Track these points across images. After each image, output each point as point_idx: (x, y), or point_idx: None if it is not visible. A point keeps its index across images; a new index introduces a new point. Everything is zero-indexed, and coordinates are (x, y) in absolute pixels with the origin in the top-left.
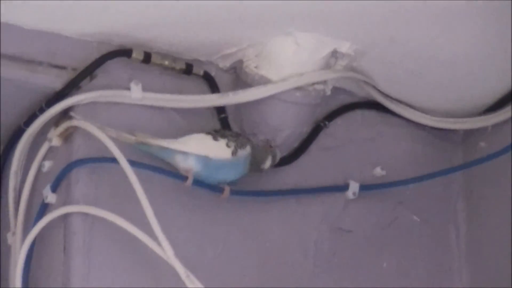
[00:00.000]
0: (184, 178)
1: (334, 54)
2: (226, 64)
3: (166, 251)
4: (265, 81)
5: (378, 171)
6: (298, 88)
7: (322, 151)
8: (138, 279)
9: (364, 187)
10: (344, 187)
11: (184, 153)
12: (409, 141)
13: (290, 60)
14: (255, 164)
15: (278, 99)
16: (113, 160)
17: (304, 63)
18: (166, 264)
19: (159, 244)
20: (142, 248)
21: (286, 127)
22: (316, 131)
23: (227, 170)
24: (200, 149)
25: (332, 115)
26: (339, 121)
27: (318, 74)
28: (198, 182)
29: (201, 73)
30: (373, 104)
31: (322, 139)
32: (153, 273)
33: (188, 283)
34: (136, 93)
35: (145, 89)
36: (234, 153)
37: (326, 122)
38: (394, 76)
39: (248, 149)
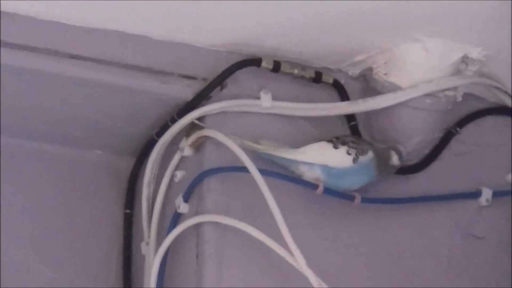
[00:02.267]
0: (314, 186)
1: (464, 59)
2: (355, 71)
3: (298, 260)
4: (394, 88)
5: (511, 177)
6: (428, 95)
7: (453, 157)
8: None
9: (497, 193)
10: (477, 194)
11: (308, 163)
12: None
13: (419, 67)
14: (383, 166)
15: (408, 106)
16: (244, 169)
17: (433, 69)
18: (297, 273)
19: (290, 253)
20: (274, 257)
21: (416, 134)
22: (447, 137)
23: (351, 177)
24: (321, 158)
25: (463, 121)
26: (470, 127)
27: (448, 81)
28: (329, 190)
29: (331, 81)
30: (505, 109)
31: (453, 146)
32: (284, 282)
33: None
34: (266, 102)
35: (274, 98)
36: (355, 160)
37: (458, 129)
38: None
39: (370, 154)
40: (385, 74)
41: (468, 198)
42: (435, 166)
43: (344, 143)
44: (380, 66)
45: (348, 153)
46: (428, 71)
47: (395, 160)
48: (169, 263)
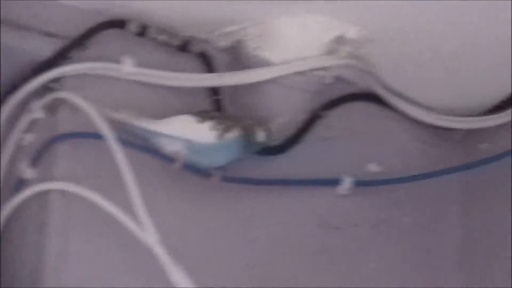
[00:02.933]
0: (173, 160)
1: (340, 39)
2: (225, 43)
3: (150, 237)
4: (265, 63)
5: (373, 167)
6: (300, 73)
7: (317, 142)
8: (118, 264)
9: (357, 183)
10: (337, 182)
11: (169, 136)
12: (408, 138)
13: (294, 43)
14: (248, 142)
15: (278, 83)
16: (100, 136)
17: (308, 47)
18: (149, 250)
19: (143, 228)
20: (126, 233)
21: (283, 113)
22: (312, 120)
23: (214, 154)
24: (183, 132)
25: (330, 105)
26: (337, 112)
27: (322, 60)
28: (188, 166)
29: (198, 50)
30: (373, 97)
31: (318, 130)
32: (134, 258)
33: (171, 270)
34: (128, 68)
35: (138, 64)
36: (219, 136)
37: (324, 112)
38: (398, 67)
39: (235, 131)
40: (256, 48)
41: (328, 185)
42: (298, 150)
43: (209, 118)
44: (252, 39)
45: (213, 129)
46: (303, 48)
47: (261, 137)
48: (8, 234)
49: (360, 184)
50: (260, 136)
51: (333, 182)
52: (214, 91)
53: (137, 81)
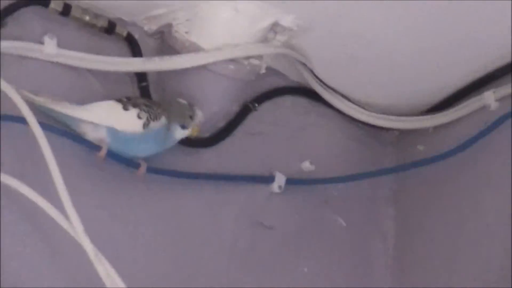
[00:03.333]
0: (97, 148)
1: (275, 27)
2: (152, 27)
3: (75, 227)
4: (195, 48)
5: (306, 165)
6: (232, 61)
7: (248, 136)
8: (41, 256)
9: (290, 181)
10: (270, 179)
11: (92, 122)
12: (342, 136)
13: (226, 28)
14: (175, 132)
15: (209, 70)
16: (21, 120)
17: (241, 33)
18: (73, 241)
19: (67, 218)
20: (48, 223)
21: (213, 103)
22: (243, 113)
23: (139, 144)
24: (107, 119)
25: (262, 98)
26: (269, 105)
27: (256, 47)
28: (114, 155)
29: (124, 34)
30: (307, 91)
31: (250, 123)
32: (59, 250)
33: (96, 262)
34: (49, 48)
35: (61, 45)
36: (145, 125)
37: (256, 104)
38: (334, 59)
39: (163, 120)
40: (186, 32)
41: (260, 182)
42: (228, 143)
43: (135, 105)
44: (182, 23)
45: (139, 117)
46: (235, 35)
47: (189, 126)
48: None
49: (294, 182)
50: (188, 125)
51: (265, 179)
52: (141, 77)
53: (59, 63)
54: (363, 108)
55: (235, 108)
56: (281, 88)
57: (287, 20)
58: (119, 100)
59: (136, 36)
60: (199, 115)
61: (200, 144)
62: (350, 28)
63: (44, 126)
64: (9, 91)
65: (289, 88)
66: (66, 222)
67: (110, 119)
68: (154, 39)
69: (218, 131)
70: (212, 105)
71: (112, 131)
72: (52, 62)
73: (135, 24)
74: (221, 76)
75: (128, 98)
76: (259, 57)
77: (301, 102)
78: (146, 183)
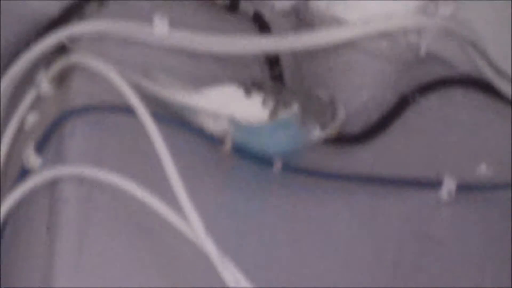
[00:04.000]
0: (220, 141)
1: None
2: (285, 4)
3: (196, 228)
4: (338, 23)
5: (482, 169)
6: (385, 35)
7: (408, 133)
8: (151, 269)
9: (463, 187)
10: (437, 184)
11: (211, 112)
12: None
13: None
14: (313, 125)
15: (356, 48)
16: (127, 109)
17: (393, 1)
18: (192, 247)
19: (185, 219)
20: (161, 228)
21: (363, 90)
22: (401, 105)
23: (267, 137)
24: (226, 107)
25: (425, 88)
26: (432, 98)
27: (414, 19)
28: (240, 150)
29: (251, 12)
30: (481, 83)
31: (409, 118)
32: (175, 259)
33: (221, 269)
34: (160, 29)
35: (173, 24)
36: (272, 114)
37: (417, 96)
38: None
39: (295, 109)
40: (327, 5)
41: (425, 187)
42: (383, 140)
43: (260, 90)
44: None
45: (264, 104)
46: (387, 3)
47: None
48: (10, 233)
49: (466, 189)
50: (328, 125)
51: (431, 184)
52: (272, 62)
53: (172, 46)
54: None
55: (390, 98)
56: (447, 78)
57: None
58: (241, 84)
59: (266, 14)
60: (341, 114)
61: (349, 140)
62: None
63: (156, 116)
64: (112, 75)
65: (458, 79)
66: (185, 225)
67: (231, 107)
68: (287, 20)
69: (371, 125)
70: (362, 92)
71: (233, 122)
72: (164, 46)
73: (264, 2)
74: (372, 55)
75: (254, 82)
76: (418, 33)
77: (474, 96)
78: (282, 184)
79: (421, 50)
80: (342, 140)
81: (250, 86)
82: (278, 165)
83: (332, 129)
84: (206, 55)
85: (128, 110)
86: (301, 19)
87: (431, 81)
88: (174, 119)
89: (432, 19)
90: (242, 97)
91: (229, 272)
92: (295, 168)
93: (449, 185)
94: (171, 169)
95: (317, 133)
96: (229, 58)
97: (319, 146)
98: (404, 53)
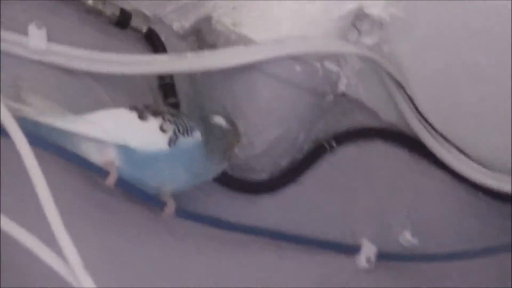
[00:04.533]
0: (103, 172)
1: (358, 19)
2: (184, 23)
3: (73, 265)
4: (246, 43)
5: (406, 236)
6: (299, 59)
7: (323, 185)
8: None
9: (384, 255)
10: (354, 248)
11: (97, 138)
12: (453, 201)
13: (288, 15)
14: (217, 154)
15: (264, 71)
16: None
17: (312, 22)
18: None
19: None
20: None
21: (271, 122)
22: (317, 152)
23: (163, 169)
24: (116, 133)
25: (342, 136)
26: (352, 148)
27: (331, 42)
28: (126, 185)
29: (143, 28)
30: (406, 137)
31: (324, 168)
32: None
33: None
34: (37, 41)
35: (52, 38)
36: (172, 140)
37: (333, 144)
38: (446, 84)
39: (197, 135)
40: (233, 24)
41: (341, 251)
42: (293, 190)
43: (156, 114)
44: (226, 13)
45: (162, 129)
46: (303, 24)
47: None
48: None
49: (388, 257)
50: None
51: (348, 248)
52: (167, 87)
53: (50, 63)
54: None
55: (303, 140)
56: (369, 128)
57: (376, 7)
58: (133, 108)
59: (162, 37)
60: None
61: (255, 188)
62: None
63: (33, 140)
64: None
65: (380, 130)
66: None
67: (121, 133)
68: (185, 44)
69: (280, 172)
70: (270, 126)
71: (124, 150)
72: (40, 62)
73: (160, 20)
74: (282, 81)
75: (146, 106)
76: (337, 62)
77: (397, 151)
78: (173, 230)
79: (340, 83)
80: (247, 186)
81: (143, 110)
82: (171, 207)
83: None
84: (88, 75)
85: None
86: (202, 40)
87: (351, 129)
88: (53, 145)
89: (352, 46)
90: (136, 121)
91: None
92: (190, 214)
93: (368, 251)
94: (49, 204)
95: (221, 165)
96: (117, 80)
97: (219, 189)
98: (321, 84)
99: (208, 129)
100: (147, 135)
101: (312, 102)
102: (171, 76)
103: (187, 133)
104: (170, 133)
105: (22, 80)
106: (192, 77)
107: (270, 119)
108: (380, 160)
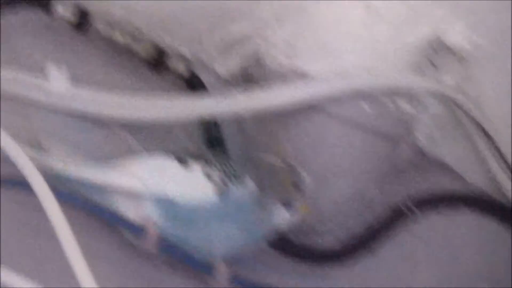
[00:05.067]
0: (140, 232)
1: (434, 51)
2: (230, 63)
3: None
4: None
5: None
6: (366, 97)
7: (403, 256)
8: None
9: None
10: None
11: (130, 190)
12: None
13: (352, 44)
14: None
15: (326, 112)
16: (22, 184)
17: (378, 53)
18: None
19: None
20: None
21: (338, 176)
22: (395, 218)
23: (210, 226)
24: (154, 183)
25: (424, 202)
26: (433, 215)
27: (405, 76)
28: (169, 247)
29: (180, 69)
30: (494, 205)
31: (404, 236)
32: None
33: None
34: (58, 83)
35: (75, 78)
36: (221, 190)
37: (414, 209)
38: None
39: (250, 185)
40: (287, 57)
41: None
42: (369, 260)
43: (199, 158)
44: (277, 46)
45: (208, 176)
46: (369, 55)
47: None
48: None
49: None
50: (294, 201)
51: None
52: (209, 129)
53: (71, 108)
54: None
55: (375, 198)
56: (453, 193)
57: (456, 34)
58: (170, 153)
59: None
60: (307, 182)
61: (322, 256)
62: None
63: (60, 194)
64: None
65: (466, 196)
66: None
67: (160, 183)
68: (231, 86)
69: (352, 238)
70: (337, 180)
71: (163, 203)
72: (59, 107)
73: (201, 62)
74: (349, 123)
75: (187, 151)
76: (409, 100)
77: (486, 221)
78: None
79: (415, 128)
80: (312, 254)
81: (184, 155)
82: (223, 273)
83: (302, 208)
84: (117, 123)
85: (24, 185)
86: (250, 79)
87: (432, 193)
88: (82, 200)
89: (430, 81)
90: (176, 167)
91: None
92: (249, 281)
93: None
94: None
95: (283, 217)
96: (151, 130)
97: (278, 258)
98: (395, 127)
99: (261, 171)
100: (190, 183)
101: (385, 150)
102: (216, 124)
103: (238, 180)
104: (217, 180)
105: (41, 127)
106: (240, 124)
107: (336, 170)
108: (466, 231)
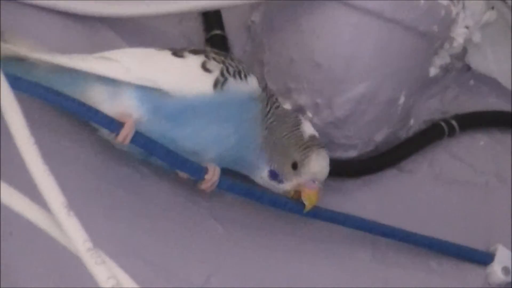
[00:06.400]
0: (116, 126)
1: None
2: None
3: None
4: None
5: None
6: None
7: (438, 176)
8: None
9: None
10: (486, 257)
11: (114, 81)
12: None
13: None
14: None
15: (344, 2)
16: None
17: None
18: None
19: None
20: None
21: (356, 74)
22: (431, 133)
23: (204, 123)
24: (140, 73)
25: (467, 119)
26: (478, 135)
27: None
28: (149, 143)
29: None
30: None
31: (441, 155)
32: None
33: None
34: None
35: None
36: (219, 82)
37: (454, 124)
38: None
39: (252, 80)
40: None
41: (467, 258)
42: (395, 176)
43: (197, 52)
44: None
45: (205, 67)
46: None
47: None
48: None
49: None
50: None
51: (479, 256)
52: (209, 25)
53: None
54: None
55: (405, 105)
56: (502, 112)
57: None
58: (163, 48)
59: None
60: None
61: (342, 169)
62: None
63: (15, 82)
64: None
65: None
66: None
67: (150, 72)
68: None
69: (376, 150)
70: (355, 79)
71: (150, 97)
72: (40, 6)
73: None
74: (369, 13)
75: (184, 48)
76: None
77: None
78: (213, 208)
79: (453, 26)
80: (331, 167)
81: (180, 49)
82: (213, 173)
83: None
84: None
85: None
86: None
87: (478, 111)
88: (49, 91)
89: None
90: (168, 58)
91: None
92: (236, 186)
93: (504, 259)
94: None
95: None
96: (140, 29)
97: None
98: (424, 20)
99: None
100: (184, 73)
101: (414, 46)
102: (221, 25)
103: (240, 76)
104: (216, 73)
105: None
106: (251, 27)
107: (354, 67)
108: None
